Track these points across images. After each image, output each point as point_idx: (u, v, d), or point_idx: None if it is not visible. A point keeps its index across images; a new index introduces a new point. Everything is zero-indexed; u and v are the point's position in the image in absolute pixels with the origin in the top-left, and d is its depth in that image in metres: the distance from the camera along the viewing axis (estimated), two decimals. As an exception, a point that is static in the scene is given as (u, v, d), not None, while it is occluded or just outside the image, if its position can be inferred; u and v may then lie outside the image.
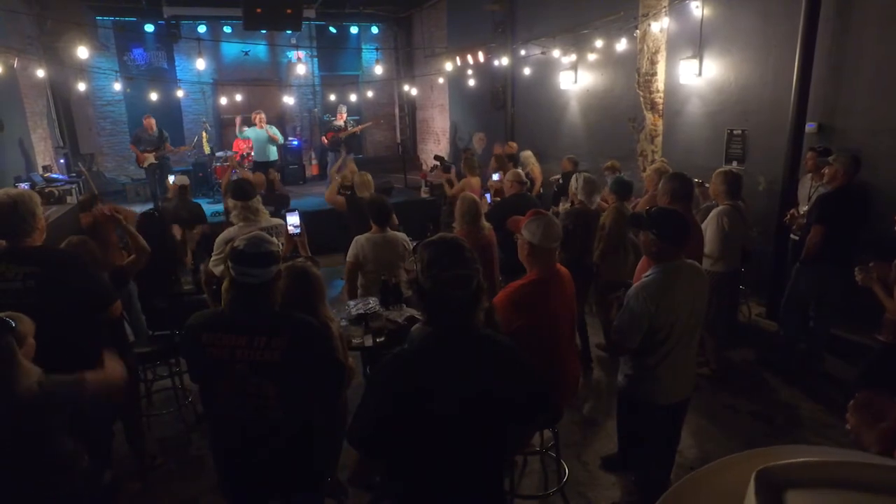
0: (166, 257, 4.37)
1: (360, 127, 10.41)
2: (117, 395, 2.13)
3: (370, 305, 3.09)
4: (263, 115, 9.84)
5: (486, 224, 4.10)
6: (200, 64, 10.63)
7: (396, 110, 14.51)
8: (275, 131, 9.79)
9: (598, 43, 7.69)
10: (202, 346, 1.94)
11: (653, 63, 7.21)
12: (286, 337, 1.92)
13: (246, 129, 9.92)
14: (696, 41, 6.48)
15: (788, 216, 5.01)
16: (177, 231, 4.43)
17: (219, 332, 1.94)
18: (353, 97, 11.90)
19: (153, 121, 9.43)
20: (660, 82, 7.22)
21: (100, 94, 11.67)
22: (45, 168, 9.29)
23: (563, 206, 5.23)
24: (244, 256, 1.93)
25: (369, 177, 5.23)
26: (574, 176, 4.70)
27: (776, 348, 4.62)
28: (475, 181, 6.74)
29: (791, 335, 4.46)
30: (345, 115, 10.38)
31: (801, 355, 4.47)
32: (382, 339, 2.89)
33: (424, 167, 13.04)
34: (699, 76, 6.55)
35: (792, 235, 5.10)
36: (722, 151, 6.34)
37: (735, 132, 6.19)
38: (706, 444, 3.61)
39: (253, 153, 9.76)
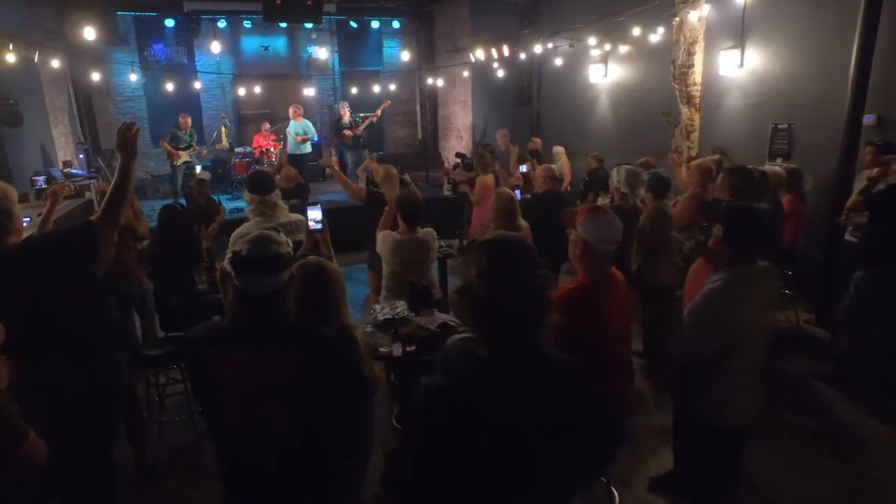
0: (183, 254, 4.16)
1: (371, 118, 10.05)
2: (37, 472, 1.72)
3: (398, 310, 2.82)
4: (300, 109, 9.68)
5: (523, 223, 3.82)
6: (216, 47, 10.37)
7: (418, 106, 14.25)
8: (305, 129, 9.62)
9: (631, 34, 7.34)
10: (205, 363, 1.68)
11: (690, 54, 6.84)
12: (301, 353, 1.65)
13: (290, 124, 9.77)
14: (738, 30, 6.11)
15: (844, 216, 4.65)
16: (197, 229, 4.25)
17: (224, 349, 1.68)
18: (376, 89, 11.66)
19: (189, 119, 9.36)
20: (697, 75, 6.85)
21: (120, 89, 11.62)
22: (66, 163, 9.22)
23: (603, 203, 4.92)
24: (247, 264, 1.65)
25: (394, 170, 4.84)
26: (615, 169, 4.38)
27: (832, 359, 4.25)
28: (489, 179, 6.45)
29: (851, 346, 4.10)
30: (347, 111, 10.01)
31: (860, 368, 4.11)
32: (413, 347, 2.62)
33: (446, 164, 12.77)
34: (740, 67, 6.18)
35: (848, 237, 4.72)
36: (765, 147, 5.98)
37: (780, 126, 5.82)
38: (766, 466, 3.25)
39: (288, 147, 9.63)
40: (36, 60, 7.83)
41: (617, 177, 4.36)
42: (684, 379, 2.35)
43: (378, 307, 2.91)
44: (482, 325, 1.25)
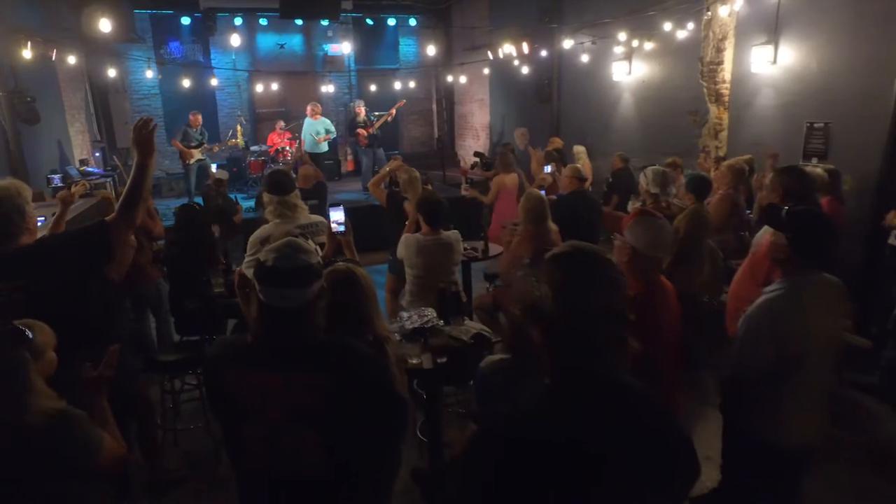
0: (200, 255, 4.04)
1: (385, 117, 9.88)
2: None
3: (427, 318, 2.65)
4: (318, 107, 9.53)
5: (553, 226, 3.64)
6: (235, 40, 10.24)
7: (434, 105, 14.09)
8: (326, 128, 9.48)
9: (656, 30, 7.13)
10: (226, 384, 1.52)
11: (719, 51, 6.62)
12: (333, 373, 1.49)
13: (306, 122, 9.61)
14: (772, 25, 5.88)
15: (888, 219, 4.42)
16: (214, 229, 4.11)
17: (246, 369, 1.52)
18: (392, 87, 11.52)
19: (200, 117, 9.25)
20: (726, 72, 6.63)
21: (136, 87, 11.59)
22: (83, 161, 9.19)
23: (634, 205, 4.72)
24: (275, 275, 1.48)
25: (417, 174, 4.70)
26: (643, 171, 4.19)
27: (878, 369, 4.03)
28: (510, 179, 6.27)
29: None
30: (363, 110, 9.84)
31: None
32: (444, 359, 2.46)
33: (463, 164, 12.61)
34: (774, 64, 5.94)
35: (892, 241, 4.49)
36: (799, 147, 5.73)
37: (816, 125, 5.58)
38: (824, 487, 3.02)
39: (305, 146, 9.48)
40: (53, 58, 7.78)
41: (645, 179, 4.16)
42: (736, 391, 2.17)
43: (405, 314, 2.75)
44: (552, 352, 1.08)
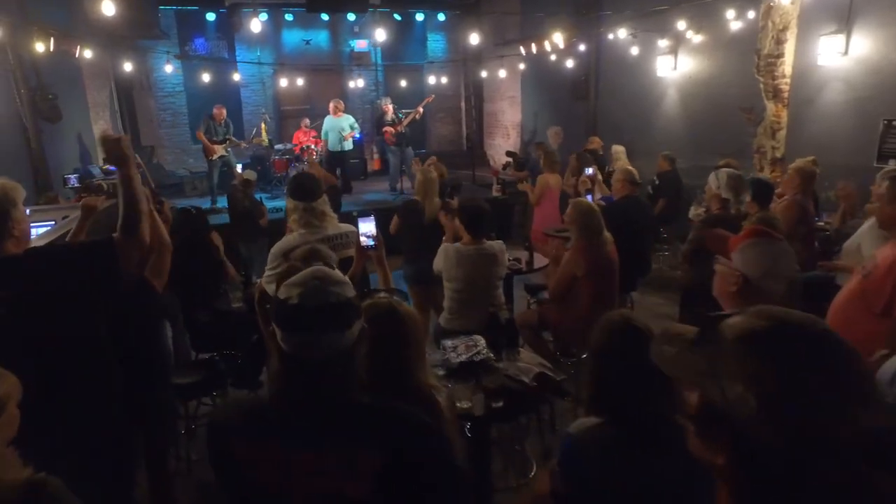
0: (200, 256, 3.70)
1: (413, 114, 9.47)
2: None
3: (478, 349, 2.24)
4: (341, 104, 9.20)
5: (609, 237, 3.21)
6: (256, 26, 9.83)
7: (462, 103, 13.67)
8: (351, 125, 9.15)
9: (706, 22, 6.62)
10: (236, 461, 1.16)
11: (779, 42, 6.08)
12: (380, 451, 1.12)
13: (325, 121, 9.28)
14: (844, 12, 5.33)
15: None
16: (214, 238, 3.76)
17: (264, 442, 1.15)
18: (420, 83, 11.15)
19: (224, 111, 8.98)
20: (786, 65, 6.09)
21: (161, 84, 11.43)
22: (105, 160, 9.02)
23: (696, 212, 4.25)
24: (302, 316, 1.11)
25: (434, 176, 4.17)
26: (713, 173, 3.73)
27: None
28: (554, 179, 5.84)
29: None
30: (390, 107, 9.43)
31: None
32: (500, 403, 2.05)
33: (493, 163, 12.19)
34: (845, 55, 5.40)
35: None
36: (873, 147, 5.20)
37: (895, 123, 5.04)
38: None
39: (329, 144, 9.15)
40: (77, 55, 7.60)
41: (716, 181, 3.70)
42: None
43: (449, 343, 2.34)
44: (750, 483, 0.67)
